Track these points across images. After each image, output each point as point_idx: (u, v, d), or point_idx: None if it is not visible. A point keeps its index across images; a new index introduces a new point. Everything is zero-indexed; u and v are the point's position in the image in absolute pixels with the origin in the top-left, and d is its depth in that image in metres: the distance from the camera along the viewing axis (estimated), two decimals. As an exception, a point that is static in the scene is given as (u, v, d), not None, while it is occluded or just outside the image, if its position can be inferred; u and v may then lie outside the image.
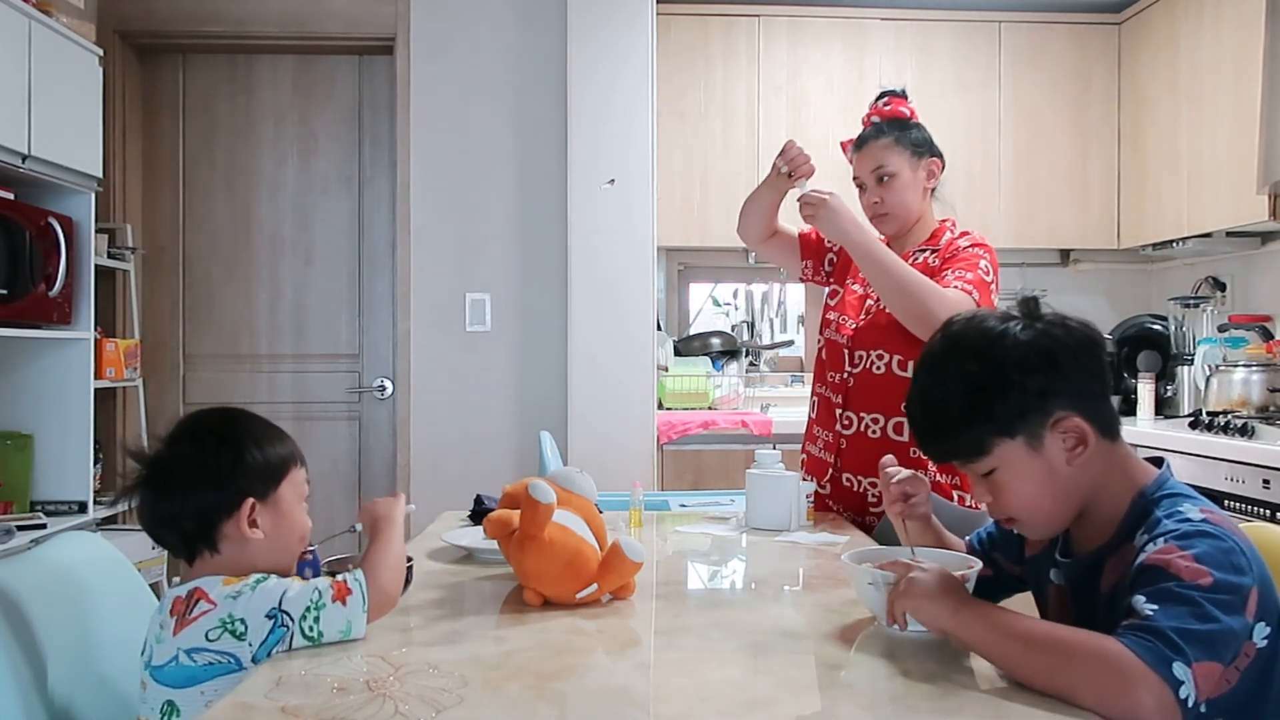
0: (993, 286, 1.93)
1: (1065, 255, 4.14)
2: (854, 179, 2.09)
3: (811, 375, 2.25)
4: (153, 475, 1.25)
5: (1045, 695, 1.00)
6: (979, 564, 1.28)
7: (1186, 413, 3.38)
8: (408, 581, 1.35)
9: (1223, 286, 3.63)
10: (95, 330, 3.11)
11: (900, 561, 1.28)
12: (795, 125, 3.74)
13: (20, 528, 2.78)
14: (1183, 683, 0.96)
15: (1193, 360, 3.46)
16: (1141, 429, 3.16)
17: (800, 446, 2.19)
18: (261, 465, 1.27)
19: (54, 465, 3.01)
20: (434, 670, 1.09)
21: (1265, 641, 1.07)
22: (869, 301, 2.03)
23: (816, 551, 1.73)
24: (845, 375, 2.03)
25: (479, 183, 3.66)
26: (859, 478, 2.01)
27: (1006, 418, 1.17)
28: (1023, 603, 1.32)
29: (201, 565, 1.25)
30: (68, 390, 3.03)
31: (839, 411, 2.03)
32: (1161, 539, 1.08)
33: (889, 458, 1.56)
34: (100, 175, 3.13)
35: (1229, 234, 3.39)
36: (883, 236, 2.04)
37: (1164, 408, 3.55)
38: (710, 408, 3.75)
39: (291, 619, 1.15)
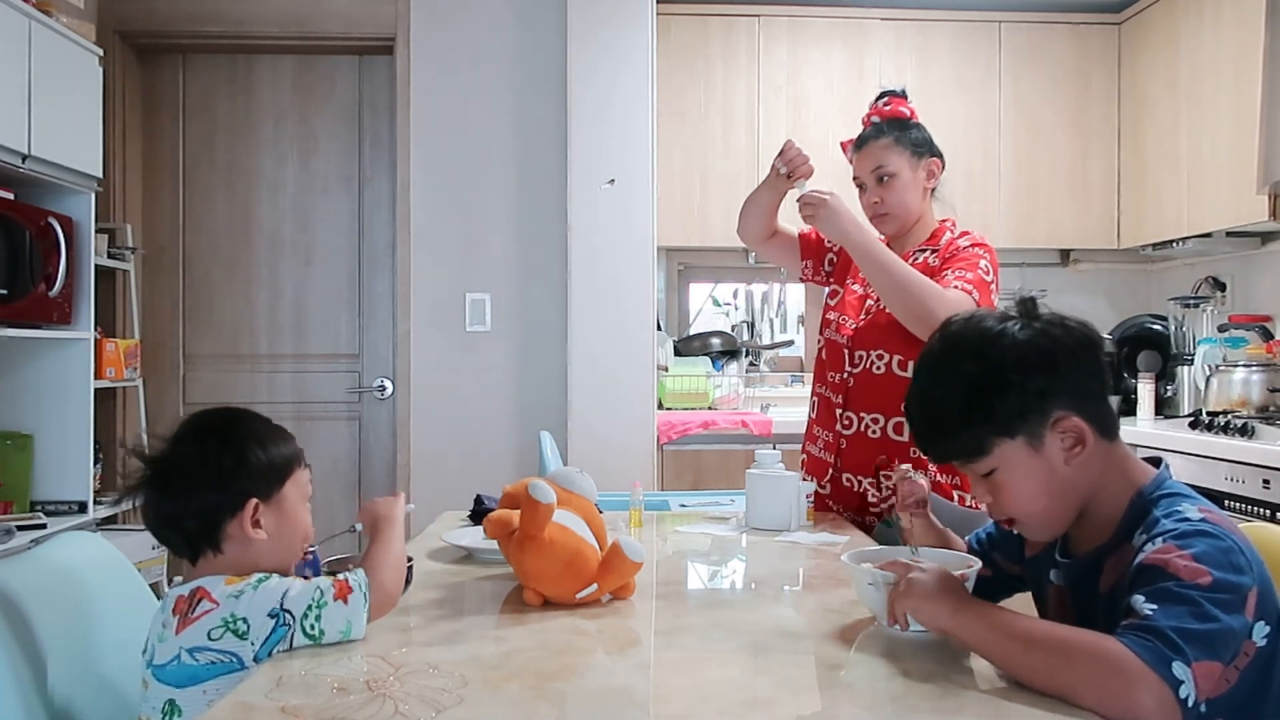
0: (993, 286, 1.93)
1: (1065, 255, 4.14)
2: (854, 179, 2.09)
3: (811, 375, 2.25)
4: (156, 475, 1.25)
5: (1045, 695, 1.00)
6: (979, 564, 1.28)
7: (1186, 413, 3.38)
8: (408, 581, 1.36)
9: (1223, 286, 3.63)
10: (95, 330, 3.11)
11: (900, 561, 1.28)
12: (795, 125, 3.74)
13: (20, 528, 2.78)
14: (1182, 682, 0.96)
15: (1193, 360, 3.46)
16: (1141, 429, 3.16)
17: (800, 446, 2.19)
18: (265, 465, 1.27)
19: (54, 465, 3.01)
20: (434, 670, 1.09)
21: (1265, 641, 1.07)
22: (869, 301, 2.03)
23: (816, 551, 1.73)
24: (845, 375, 2.03)
25: (479, 183, 3.66)
26: (859, 478, 2.01)
27: (1006, 418, 1.17)
28: (1022, 603, 1.32)
29: (205, 565, 1.25)
30: (68, 390, 3.03)
31: (839, 411, 2.03)
32: (1160, 539, 1.08)
33: (895, 462, 1.58)
34: (100, 175, 3.13)
35: (1229, 234, 3.39)
36: (883, 236, 2.05)
37: (1164, 408, 3.55)
38: (710, 408, 3.75)
39: (293, 618, 1.15)
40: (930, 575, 1.16)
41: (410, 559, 1.37)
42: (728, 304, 4.33)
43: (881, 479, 1.96)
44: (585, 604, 1.36)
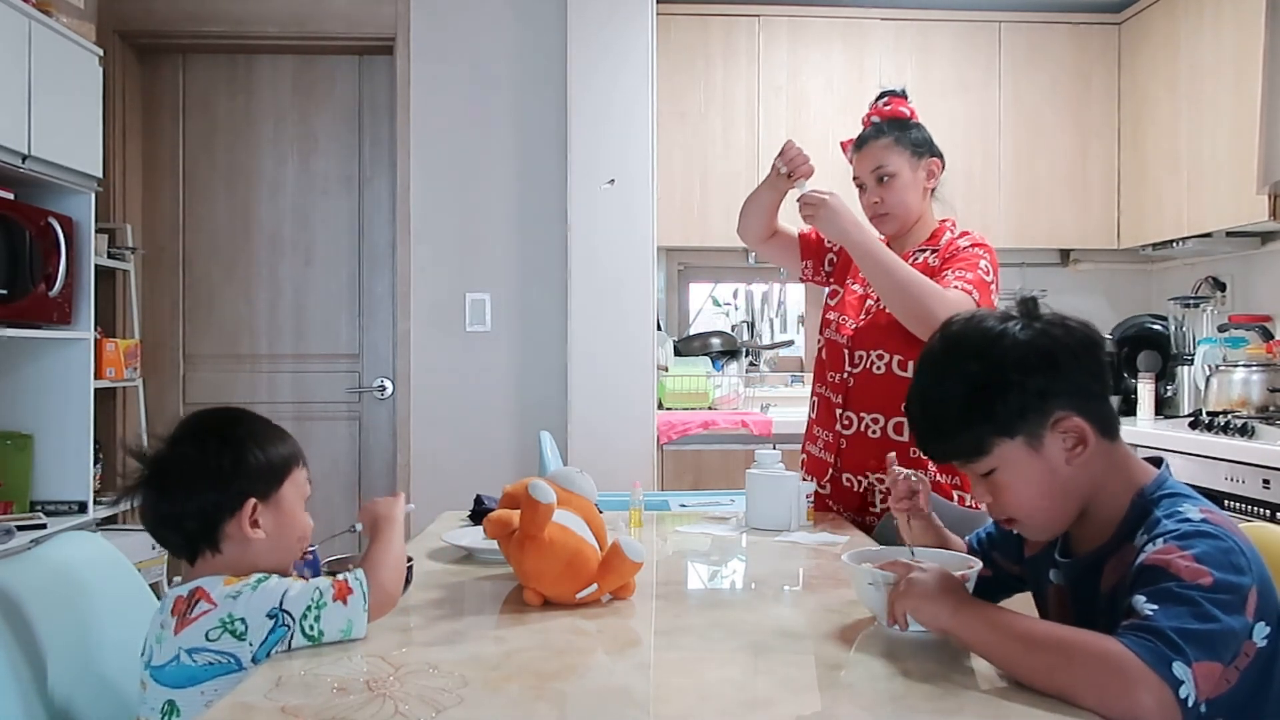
0: (993, 286, 1.93)
1: (1065, 255, 4.14)
2: (854, 179, 2.09)
3: (811, 375, 2.25)
4: (155, 475, 1.25)
5: (1045, 695, 1.00)
6: (979, 564, 1.28)
7: (1186, 413, 3.38)
8: (408, 581, 1.36)
9: (1223, 286, 3.63)
10: (95, 330, 3.11)
11: (900, 561, 1.28)
12: (795, 125, 3.74)
13: (20, 528, 2.78)
14: (1183, 682, 0.96)
15: (1193, 360, 3.46)
16: (1141, 429, 3.16)
17: (800, 446, 2.18)
18: (263, 465, 1.27)
19: (54, 465, 3.01)
20: (434, 670, 1.09)
21: (1265, 641, 1.07)
22: (869, 301, 2.03)
23: (816, 551, 1.73)
24: (845, 375, 2.03)
25: (479, 183, 3.66)
26: (859, 478, 2.01)
27: (1006, 418, 1.17)
28: (1023, 603, 1.32)
29: (203, 565, 1.25)
30: (68, 390, 3.03)
31: (839, 411, 2.03)
32: (1161, 539, 1.08)
33: (894, 455, 1.57)
34: (100, 175, 3.13)
35: (1229, 234, 3.39)
36: (883, 236, 2.05)
37: (1164, 408, 3.55)
38: (710, 408, 3.75)
39: (292, 618, 1.15)
40: (930, 575, 1.16)
41: (410, 559, 1.37)
42: (728, 304, 4.33)
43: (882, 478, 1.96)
44: (585, 604, 1.36)
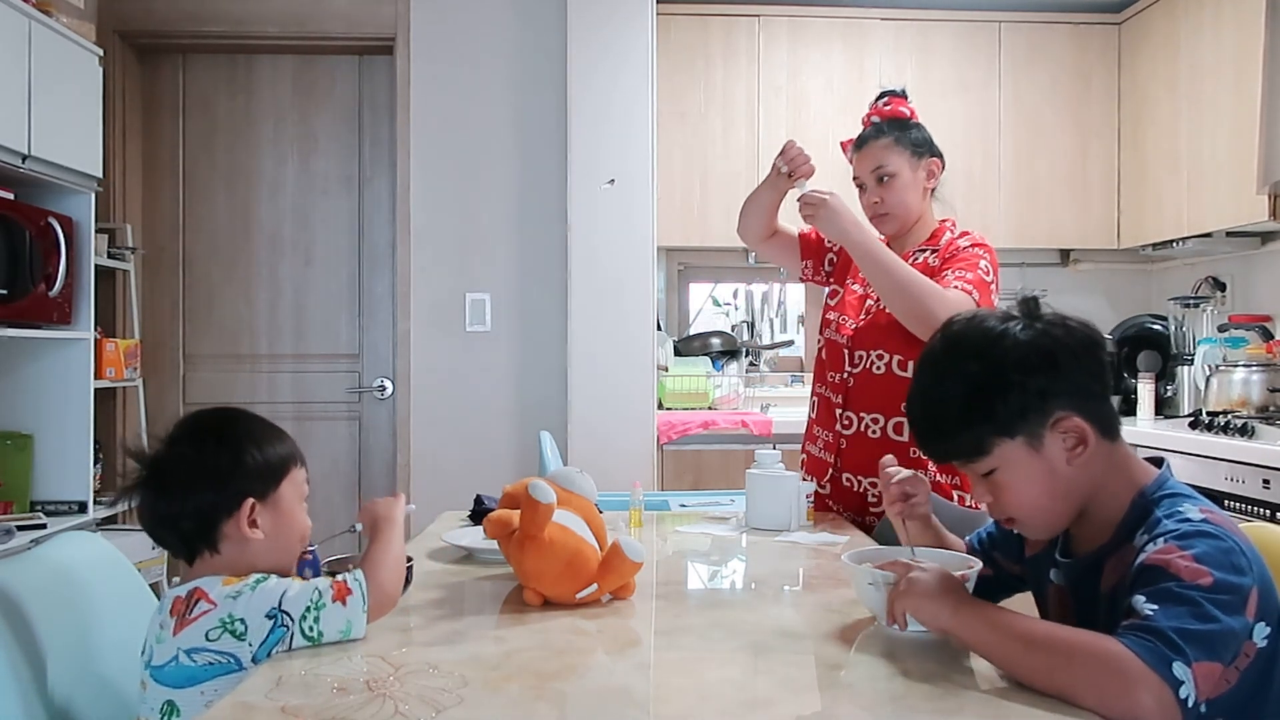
0: (993, 286, 1.93)
1: (1065, 255, 4.14)
2: (854, 179, 2.09)
3: (811, 375, 2.25)
4: (152, 475, 1.25)
5: (1045, 695, 1.00)
6: (979, 564, 1.28)
7: (1186, 413, 3.38)
8: (408, 581, 1.35)
9: (1223, 286, 3.63)
10: (95, 330, 3.11)
11: (900, 561, 1.28)
12: (795, 125, 3.74)
13: (20, 528, 2.78)
14: (1183, 683, 0.96)
15: (1193, 360, 3.46)
16: (1141, 429, 3.16)
17: (800, 446, 2.18)
18: (261, 465, 1.27)
19: (54, 465, 3.01)
20: (434, 670, 1.09)
21: (1265, 641, 1.07)
22: (869, 301, 2.03)
23: (816, 551, 1.73)
24: (845, 375, 2.03)
25: (479, 183, 3.66)
26: (859, 478, 2.01)
27: (1006, 418, 1.17)
28: (1023, 603, 1.32)
29: (202, 565, 1.25)
30: (68, 390, 3.03)
31: (839, 411, 2.03)
32: (1161, 539, 1.08)
33: (889, 457, 1.56)
34: (100, 175, 3.13)
35: (1229, 234, 3.39)
36: (883, 236, 2.04)
37: (1164, 408, 3.55)
38: (710, 408, 3.75)
39: (291, 619, 1.15)
40: (930, 575, 1.16)
41: (410, 559, 1.37)
42: (728, 304, 4.33)
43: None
44: (585, 604, 1.36)
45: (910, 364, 1.89)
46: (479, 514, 1.91)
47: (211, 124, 3.79)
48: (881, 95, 2.09)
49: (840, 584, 1.48)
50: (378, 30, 3.65)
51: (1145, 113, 3.72)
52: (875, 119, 2.06)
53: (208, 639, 1.15)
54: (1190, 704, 0.96)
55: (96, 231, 3.14)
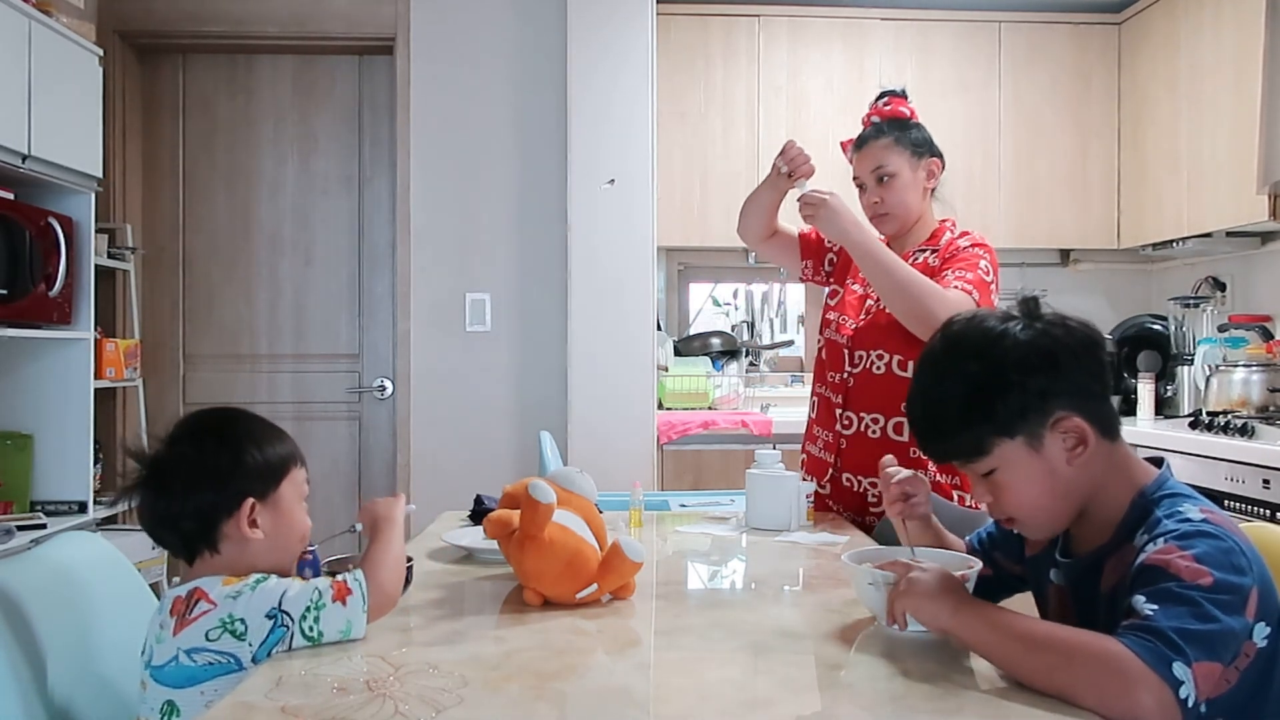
0: (993, 286, 1.93)
1: (1065, 255, 4.14)
2: (854, 179, 2.09)
3: (811, 375, 2.25)
4: (152, 475, 1.25)
5: (1045, 695, 1.00)
6: (979, 564, 1.28)
7: (1186, 413, 3.38)
8: (408, 581, 1.35)
9: (1223, 286, 3.63)
10: (95, 330, 3.11)
11: (900, 561, 1.28)
12: (795, 125, 3.74)
13: (20, 528, 2.78)
14: (1183, 683, 0.96)
15: (1193, 360, 3.46)
16: (1141, 429, 3.16)
17: (800, 446, 2.18)
18: (261, 465, 1.27)
19: (54, 465, 3.01)
20: (434, 670, 1.09)
21: (1265, 641, 1.07)
22: (869, 301, 2.03)
23: (816, 551, 1.73)
24: (845, 375, 2.03)
25: (479, 183, 3.66)
26: (859, 478, 2.01)
27: (1006, 418, 1.17)
28: (1023, 603, 1.32)
29: (202, 565, 1.25)
30: (68, 390, 3.03)
31: (839, 411, 2.03)
32: (1162, 539, 1.08)
33: (889, 458, 1.56)
34: (100, 175, 3.13)
35: (1229, 234, 3.39)
36: (883, 236, 2.04)
37: (1164, 408, 3.55)
38: (710, 408, 3.75)
39: (291, 619, 1.15)
40: (930, 575, 1.16)
41: (410, 559, 1.37)
42: (728, 304, 4.33)
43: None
44: (585, 604, 1.36)
45: (910, 364, 1.89)
46: (479, 514, 1.91)
47: (211, 124, 3.79)
48: (881, 95, 2.09)
49: (840, 584, 1.48)
50: (378, 30, 3.65)
51: (1145, 113, 3.72)
52: (875, 119, 2.06)
53: (208, 639, 1.15)
54: (1190, 704, 0.96)
55: (96, 231, 3.14)
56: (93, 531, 2.33)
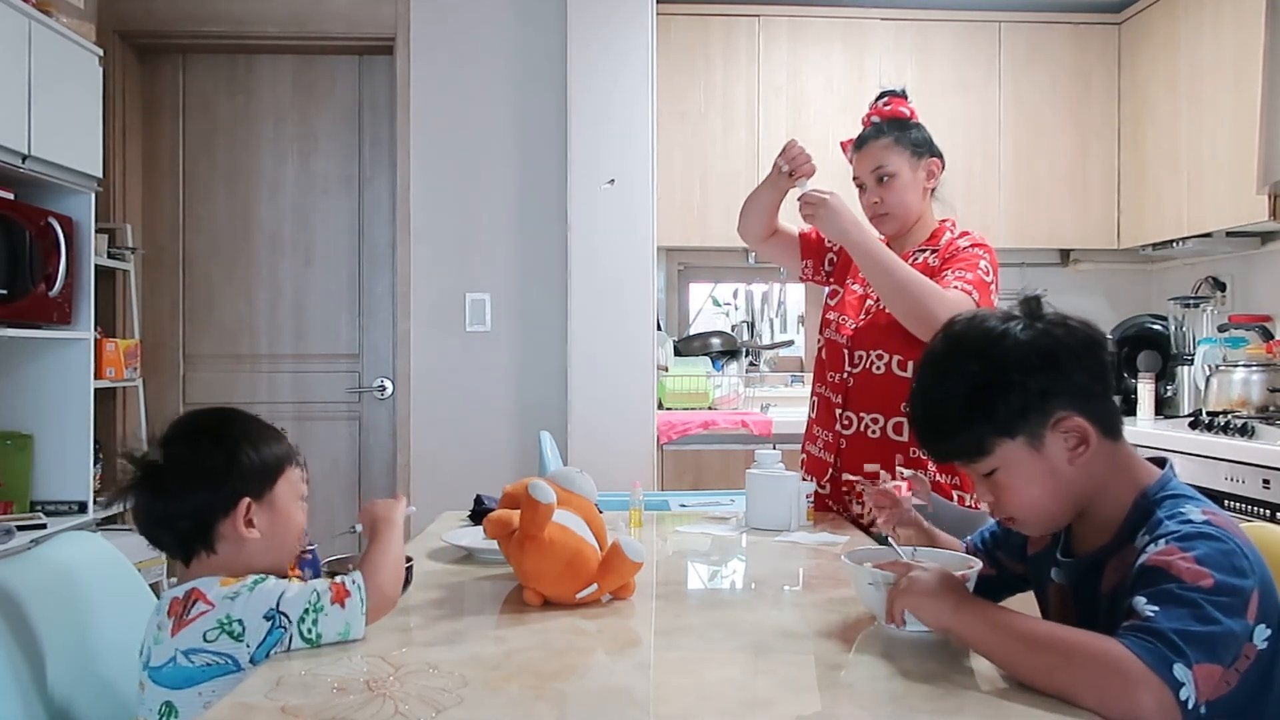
0: (993, 287, 1.93)
1: (1065, 255, 4.14)
2: (854, 179, 2.09)
3: (811, 375, 2.25)
4: (147, 476, 1.25)
5: (1045, 695, 1.00)
6: (979, 564, 1.28)
7: (1186, 413, 3.38)
8: (408, 582, 1.35)
9: (1223, 286, 3.63)
10: (95, 330, 3.11)
11: (900, 561, 1.28)
12: (795, 125, 3.73)
13: (20, 528, 2.78)
14: (1183, 684, 0.96)
15: (1193, 360, 3.46)
16: (1141, 429, 3.16)
17: (800, 446, 2.18)
18: (257, 465, 1.26)
19: (54, 465, 3.01)
20: (434, 670, 1.09)
21: (1266, 643, 1.07)
22: (869, 301, 2.03)
23: (816, 551, 1.73)
24: (845, 375, 2.03)
25: (479, 183, 3.66)
26: (859, 478, 2.01)
27: (1007, 418, 1.16)
28: (1023, 602, 1.32)
29: (198, 566, 1.25)
30: (68, 390, 3.03)
31: (839, 411, 2.03)
32: (1163, 540, 1.08)
33: (875, 467, 1.57)
34: (100, 175, 3.13)
35: (1229, 234, 3.39)
36: (883, 236, 2.04)
37: (1164, 408, 3.55)
38: (710, 408, 3.75)
39: (289, 620, 1.15)
40: (931, 574, 1.16)
41: (410, 559, 1.37)
42: (728, 304, 4.33)
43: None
44: (585, 604, 1.36)
45: (910, 364, 1.89)
46: (479, 514, 1.91)
47: (211, 124, 3.79)
48: (881, 95, 2.09)
49: (840, 584, 1.48)
50: (378, 30, 3.65)
51: (1145, 113, 3.72)
52: (875, 119, 2.06)
53: (205, 640, 1.14)
54: (1190, 706, 0.96)
55: (96, 231, 3.14)
56: (93, 531, 2.33)
